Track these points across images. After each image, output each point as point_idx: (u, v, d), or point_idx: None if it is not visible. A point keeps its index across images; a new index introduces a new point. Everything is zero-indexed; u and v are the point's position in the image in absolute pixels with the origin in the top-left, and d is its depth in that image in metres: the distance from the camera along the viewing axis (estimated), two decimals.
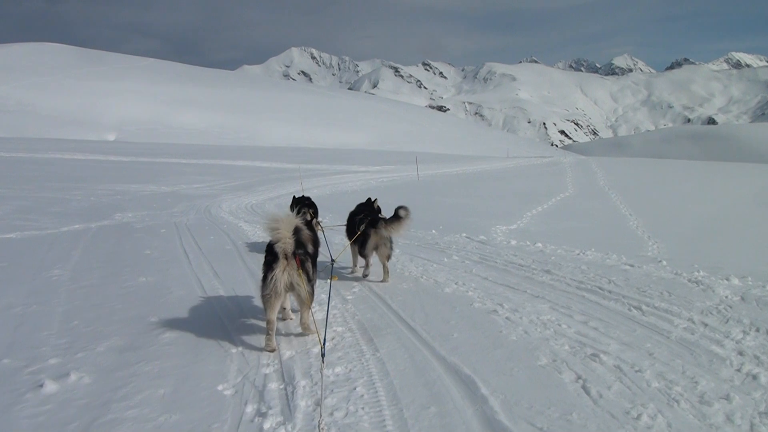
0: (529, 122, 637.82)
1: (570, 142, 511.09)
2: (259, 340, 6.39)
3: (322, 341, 5.70)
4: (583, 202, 26.54)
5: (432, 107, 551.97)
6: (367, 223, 8.71)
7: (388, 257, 8.70)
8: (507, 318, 6.90)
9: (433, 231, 14.46)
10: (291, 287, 6.07)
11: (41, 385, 5.23)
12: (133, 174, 35.95)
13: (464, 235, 13.59)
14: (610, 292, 8.11)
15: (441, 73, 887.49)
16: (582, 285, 8.51)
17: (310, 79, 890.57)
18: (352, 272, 9.44)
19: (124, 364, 5.75)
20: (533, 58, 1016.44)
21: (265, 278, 6.08)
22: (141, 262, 10.51)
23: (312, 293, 6.30)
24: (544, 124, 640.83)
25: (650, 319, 6.93)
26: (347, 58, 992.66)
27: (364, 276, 8.94)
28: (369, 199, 9.73)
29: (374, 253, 8.74)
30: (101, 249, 11.72)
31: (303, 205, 10.95)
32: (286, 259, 6.02)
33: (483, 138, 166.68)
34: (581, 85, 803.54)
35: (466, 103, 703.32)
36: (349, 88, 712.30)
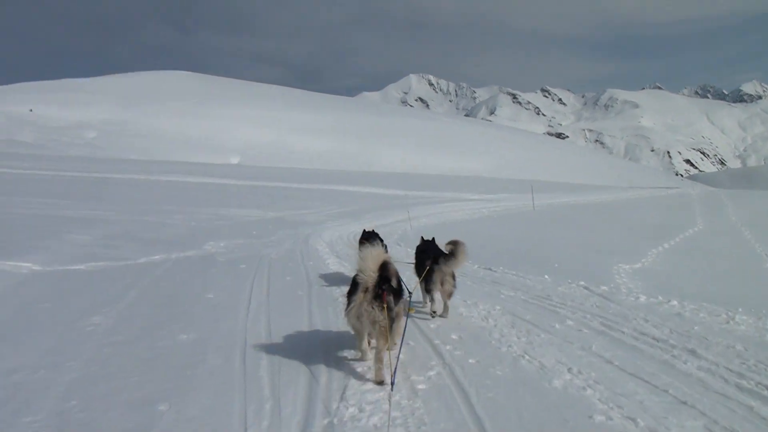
0: (653, 151, 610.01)
1: (696, 171, 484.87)
2: None
3: (393, 370, 5.70)
4: (714, 239, 23.40)
5: (550, 134, 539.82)
6: (431, 260, 8.73)
7: (450, 294, 8.66)
8: None
9: (546, 276, 12.29)
10: (371, 320, 6.04)
11: None
12: (244, 198, 35.49)
13: (582, 284, 11.33)
14: None
15: (560, 99, 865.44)
16: (743, 382, 6.02)
17: (428, 105, 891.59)
18: (424, 307, 9.16)
19: None
20: (657, 84, 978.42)
21: (347, 307, 6.24)
22: (195, 309, 8.96)
23: (390, 327, 6.10)
24: (668, 152, 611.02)
25: None
26: (465, 85, 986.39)
27: (432, 314, 8.72)
28: (432, 238, 9.80)
29: (438, 288, 8.68)
30: (163, 289, 10.32)
31: (371, 239, 10.65)
32: (366, 291, 6.03)
33: (603, 166, 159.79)
34: (707, 113, 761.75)
35: (586, 131, 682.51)
36: (466, 115, 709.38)
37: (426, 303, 9.05)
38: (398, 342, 6.48)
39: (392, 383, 5.54)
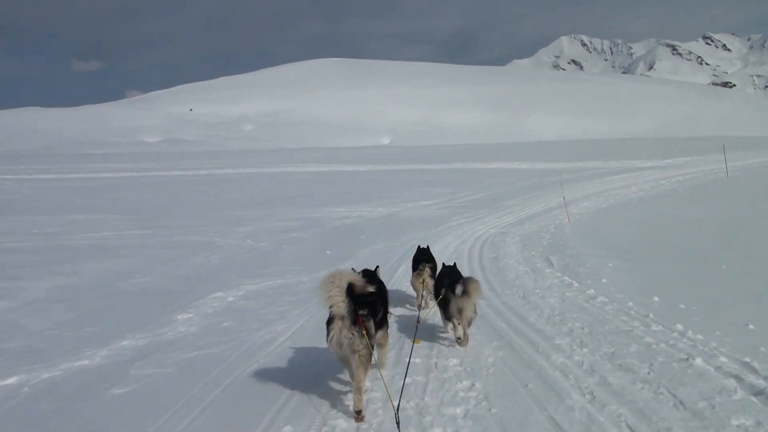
0: None
1: None
2: None
3: (395, 408, 5.01)
4: None
5: (715, 84, 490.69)
6: (446, 286, 7.24)
7: (470, 322, 7.08)
8: None
9: None
10: (351, 348, 5.29)
11: None
12: (359, 189, 28.73)
13: None
14: None
15: (724, 45, 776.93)
16: None
17: (581, 67, 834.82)
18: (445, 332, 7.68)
19: None
20: None
21: (327, 335, 5.42)
22: None
23: (370, 355, 5.36)
24: None
25: None
26: (620, 41, 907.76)
27: (457, 340, 7.03)
28: (454, 263, 8.33)
29: (457, 317, 7.01)
30: None
31: (422, 259, 8.82)
32: (343, 318, 5.30)
33: None
34: None
35: (755, 77, 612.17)
36: (623, 73, 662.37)
37: (447, 330, 7.58)
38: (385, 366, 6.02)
39: (397, 421, 4.85)
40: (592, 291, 9.07)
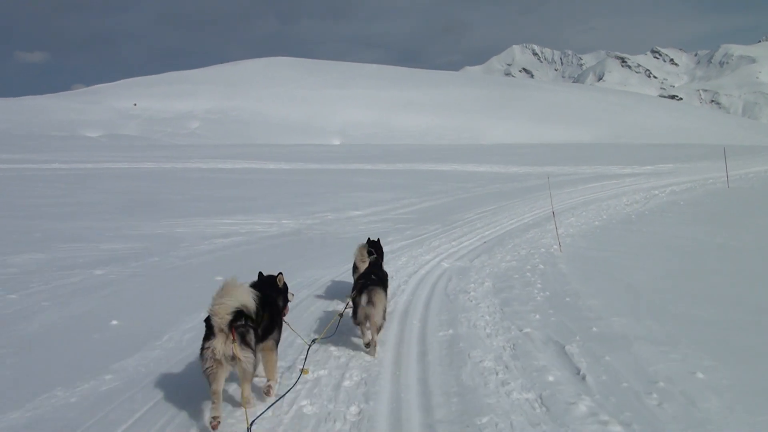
0: None
1: None
2: None
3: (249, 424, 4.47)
4: None
5: (663, 97, 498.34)
6: (356, 290, 6.55)
7: (379, 329, 6.41)
8: None
9: None
10: (232, 359, 4.71)
11: None
12: (268, 192, 22.57)
13: None
14: None
15: (672, 60, 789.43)
16: None
17: (532, 75, 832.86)
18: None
19: None
20: None
21: (202, 350, 4.75)
22: None
23: (252, 367, 4.79)
24: None
25: None
26: (570, 52, 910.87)
27: (366, 345, 6.32)
28: (378, 239, 8.35)
29: (366, 321, 6.40)
30: None
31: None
32: (221, 330, 4.68)
33: (724, 126, 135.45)
34: None
35: (701, 91, 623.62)
36: (573, 82, 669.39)
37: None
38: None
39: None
40: None
